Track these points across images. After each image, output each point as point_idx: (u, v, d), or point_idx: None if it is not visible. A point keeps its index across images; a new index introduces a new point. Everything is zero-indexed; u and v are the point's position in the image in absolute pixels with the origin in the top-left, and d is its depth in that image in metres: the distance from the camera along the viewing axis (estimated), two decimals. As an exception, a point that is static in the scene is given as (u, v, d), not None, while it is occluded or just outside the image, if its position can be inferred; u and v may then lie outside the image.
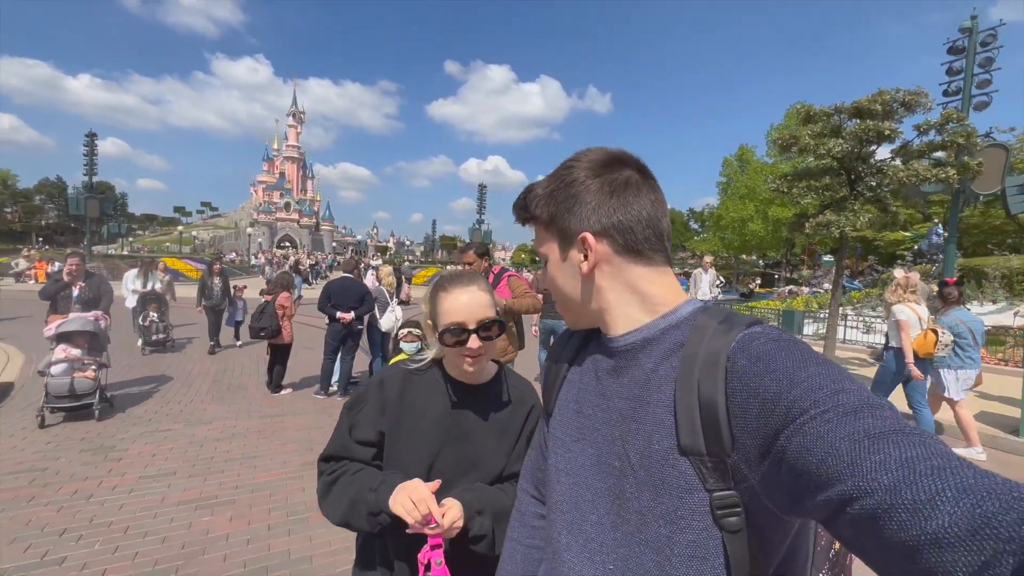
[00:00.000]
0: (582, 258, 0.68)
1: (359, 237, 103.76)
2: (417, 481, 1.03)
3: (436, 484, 1.04)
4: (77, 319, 4.91)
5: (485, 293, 1.13)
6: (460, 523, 1.01)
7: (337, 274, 8.13)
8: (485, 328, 1.09)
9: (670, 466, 0.58)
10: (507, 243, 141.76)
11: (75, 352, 4.85)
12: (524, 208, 0.75)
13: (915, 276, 5.42)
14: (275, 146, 76.34)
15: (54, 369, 4.70)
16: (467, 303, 1.09)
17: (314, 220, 74.50)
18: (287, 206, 71.45)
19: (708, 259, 10.03)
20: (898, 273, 5.64)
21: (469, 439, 1.16)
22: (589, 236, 0.68)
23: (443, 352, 1.17)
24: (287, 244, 66.10)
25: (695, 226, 53.00)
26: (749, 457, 0.53)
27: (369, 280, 9.05)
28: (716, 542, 0.56)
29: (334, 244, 70.77)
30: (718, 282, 10.68)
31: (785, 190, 8.05)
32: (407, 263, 33.80)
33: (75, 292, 5.22)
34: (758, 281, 37.21)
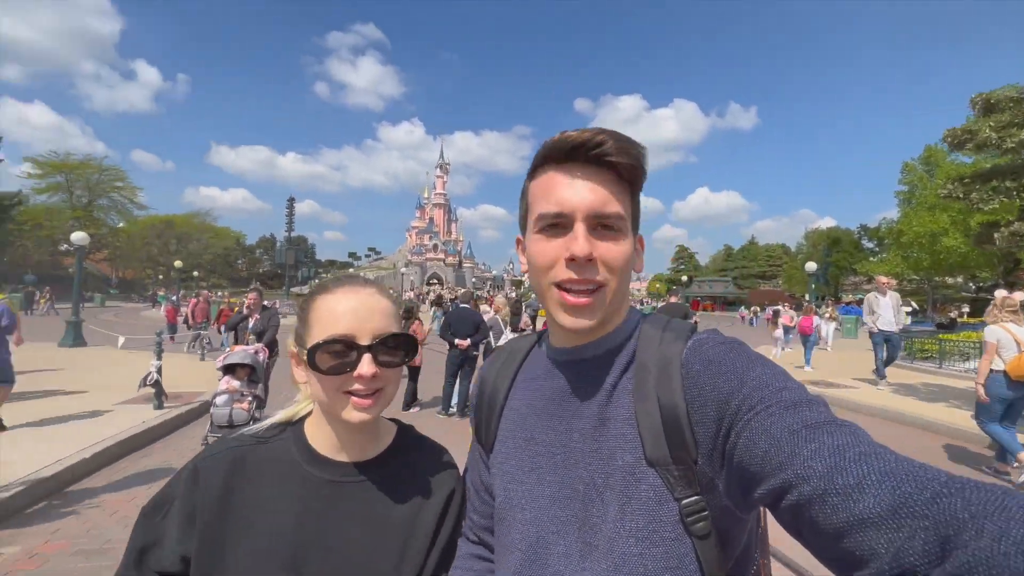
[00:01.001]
0: (636, 254, 0.66)
1: (495, 272, 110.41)
2: None
3: None
4: (239, 352, 5.35)
5: (386, 299, 0.77)
6: None
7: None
8: (386, 346, 0.72)
9: (636, 480, 0.57)
10: (639, 273, 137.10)
11: (235, 384, 5.17)
12: (643, 173, 0.62)
13: (1016, 296, 4.86)
14: (425, 195, 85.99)
15: (218, 399, 5.08)
16: (356, 307, 0.72)
17: (457, 259, 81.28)
18: (435, 247, 79.24)
19: (884, 279, 8.21)
20: (999, 294, 5.04)
21: (347, 554, 0.71)
22: (643, 239, 0.68)
23: (307, 400, 0.80)
24: (435, 281, 73.03)
25: (870, 245, 45.25)
26: (712, 459, 0.54)
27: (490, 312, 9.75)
28: (687, 550, 0.55)
29: (474, 280, 76.20)
30: (906, 308, 8.79)
31: (960, 195, 6.65)
32: (534, 296, 34.55)
33: (251, 323, 6.22)
34: (965, 309, 29.92)
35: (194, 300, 13.95)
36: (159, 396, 6.10)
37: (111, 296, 44.52)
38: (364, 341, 0.70)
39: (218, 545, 0.69)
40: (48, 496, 3.88)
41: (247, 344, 5.89)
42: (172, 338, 14.51)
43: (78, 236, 12.46)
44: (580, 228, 0.59)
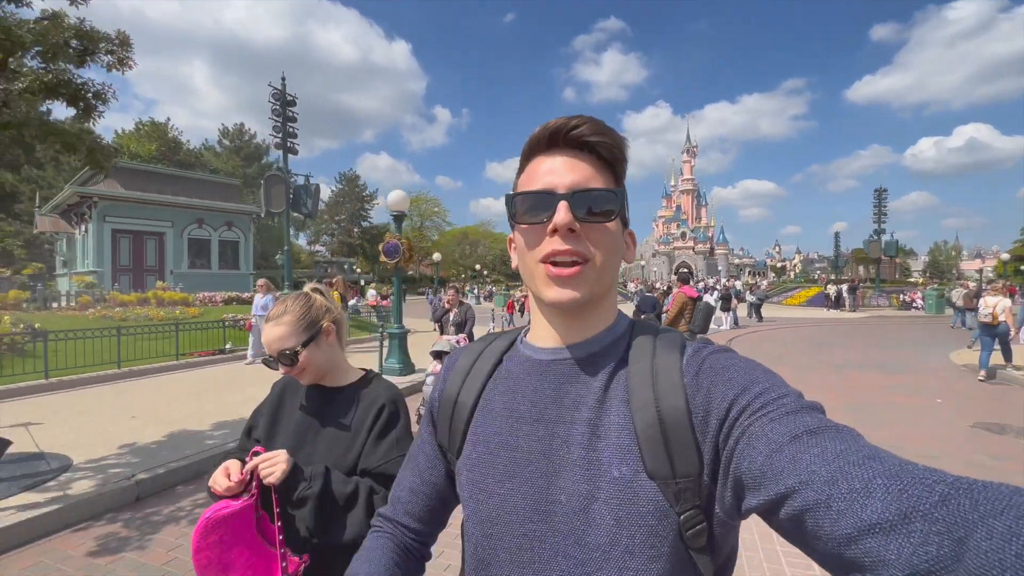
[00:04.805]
0: (625, 247, 0.66)
1: (757, 258, 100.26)
2: (229, 462, 1.10)
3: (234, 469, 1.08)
4: (444, 341, 5.69)
5: (281, 326, 1.21)
6: (276, 469, 1.05)
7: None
8: (283, 359, 1.19)
9: (634, 494, 0.55)
10: (982, 248, 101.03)
11: (440, 368, 4.92)
12: (623, 156, 0.63)
13: None
14: (672, 182, 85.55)
15: (427, 380, 5.60)
16: (266, 336, 1.21)
17: (708, 246, 78.72)
18: (683, 235, 78.62)
19: None
20: None
21: (320, 441, 1.21)
22: (634, 235, 0.69)
23: None
24: (684, 270, 73.08)
25: None
26: (715, 469, 0.53)
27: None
28: (685, 561, 0.55)
29: (720, 268, 72.59)
30: None
31: None
32: (762, 286, 32.26)
33: (451, 316, 7.17)
34: None
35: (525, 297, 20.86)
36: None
37: (435, 291, 62.93)
38: (274, 356, 1.21)
39: (272, 425, 1.29)
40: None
41: (450, 334, 6.67)
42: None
43: (436, 256, 21.49)
44: (562, 204, 0.58)
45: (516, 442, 0.63)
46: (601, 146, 0.61)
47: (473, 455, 0.67)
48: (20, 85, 3.66)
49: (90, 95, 3.82)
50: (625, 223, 0.66)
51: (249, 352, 9.43)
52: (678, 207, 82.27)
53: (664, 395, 0.56)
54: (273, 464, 1.05)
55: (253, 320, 9.34)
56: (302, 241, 60.39)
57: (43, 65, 3.59)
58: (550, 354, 0.65)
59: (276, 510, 1.07)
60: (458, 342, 5.77)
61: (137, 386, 7.59)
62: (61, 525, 3.40)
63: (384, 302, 18.03)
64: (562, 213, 0.58)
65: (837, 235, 49.93)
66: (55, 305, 13.68)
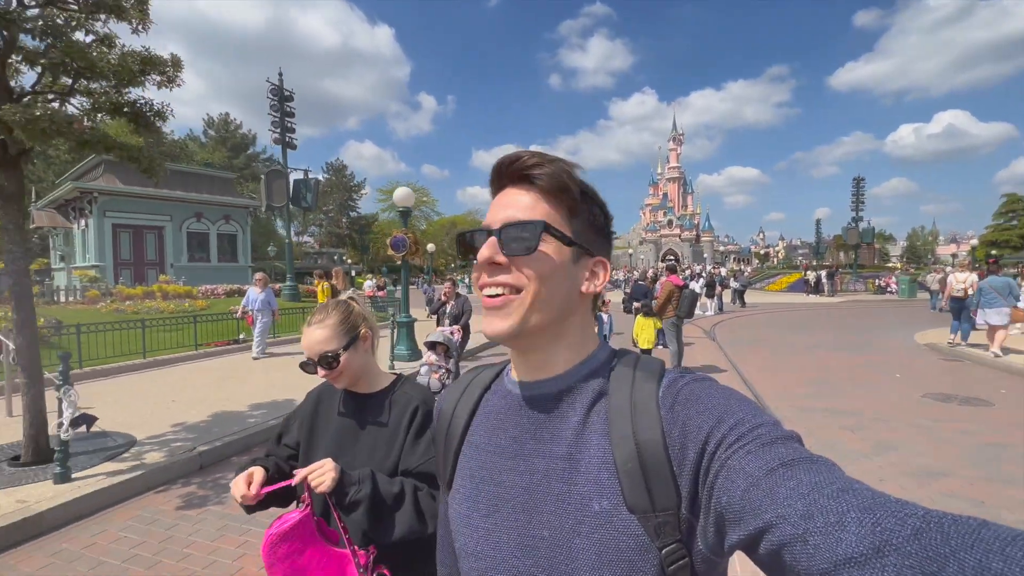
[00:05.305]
0: (587, 276, 0.65)
1: (742, 244, 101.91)
2: (254, 469, 1.13)
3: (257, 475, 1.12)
4: (439, 332, 5.90)
5: (323, 329, 1.24)
6: (326, 477, 1.06)
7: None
8: (324, 362, 1.22)
9: (615, 528, 0.55)
10: (958, 233, 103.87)
11: (433, 358, 5.64)
12: (568, 185, 0.62)
13: None
14: (658, 170, 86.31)
15: (421, 370, 5.64)
16: (307, 340, 1.24)
17: (694, 233, 79.93)
18: (669, 223, 79.65)
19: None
20: None
21: (360, 445, 1.25)
22: (607, 264, 0.67)
23: None
24: (671, 258, 74.27)
25: None
26: (694, 503, 0.53)
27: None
28: None
29: (705, 256, 73.89)
30: None
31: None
32: (745, 273, 33.70)
33: (448, 308, 7.22)
34: None
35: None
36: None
37: (427, 281, 63.08)
38: (314, 359, 1.24)
39: (310, 433, 1.34)
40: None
41: (445, 326, 6.86)
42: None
43: (431, 246, 21.81)
44: (490, 240, 0.61)
45: (499, 477, 0.64)
46: (539, 177, 0.61)
47: (461, 489, 0.69)
48: (85, 104, 4.15)
49: (150, 113, 4.31)
50: (587, 251, 0.65)
51: (255, 347, 9.28)
52: (664, 195, 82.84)
53: (641, 428, 0.56)
54: (323, 473, 1.07)
55: (253, 315, 9.09)
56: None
57: (114, 88, 4.07)
58: (529, 389, 0.66)
59: (335, 513, 1.12)
60: (452, 333, 5.99)
61: (163, 374, 8.09)
62: (145, 488, 3.98)
63: (380, 293, 18.56)
64: (483, 249, 0.61)
65: (818, 222, 51.10)
66: (61, 299, 13.94)
